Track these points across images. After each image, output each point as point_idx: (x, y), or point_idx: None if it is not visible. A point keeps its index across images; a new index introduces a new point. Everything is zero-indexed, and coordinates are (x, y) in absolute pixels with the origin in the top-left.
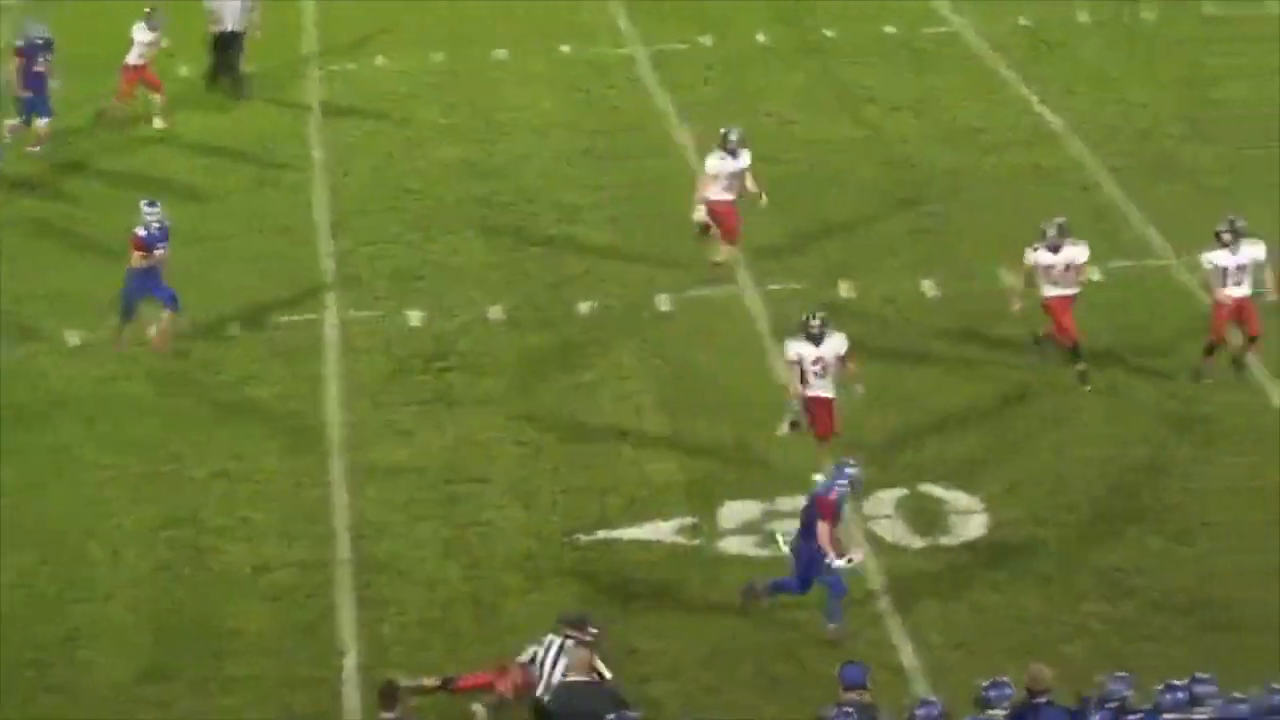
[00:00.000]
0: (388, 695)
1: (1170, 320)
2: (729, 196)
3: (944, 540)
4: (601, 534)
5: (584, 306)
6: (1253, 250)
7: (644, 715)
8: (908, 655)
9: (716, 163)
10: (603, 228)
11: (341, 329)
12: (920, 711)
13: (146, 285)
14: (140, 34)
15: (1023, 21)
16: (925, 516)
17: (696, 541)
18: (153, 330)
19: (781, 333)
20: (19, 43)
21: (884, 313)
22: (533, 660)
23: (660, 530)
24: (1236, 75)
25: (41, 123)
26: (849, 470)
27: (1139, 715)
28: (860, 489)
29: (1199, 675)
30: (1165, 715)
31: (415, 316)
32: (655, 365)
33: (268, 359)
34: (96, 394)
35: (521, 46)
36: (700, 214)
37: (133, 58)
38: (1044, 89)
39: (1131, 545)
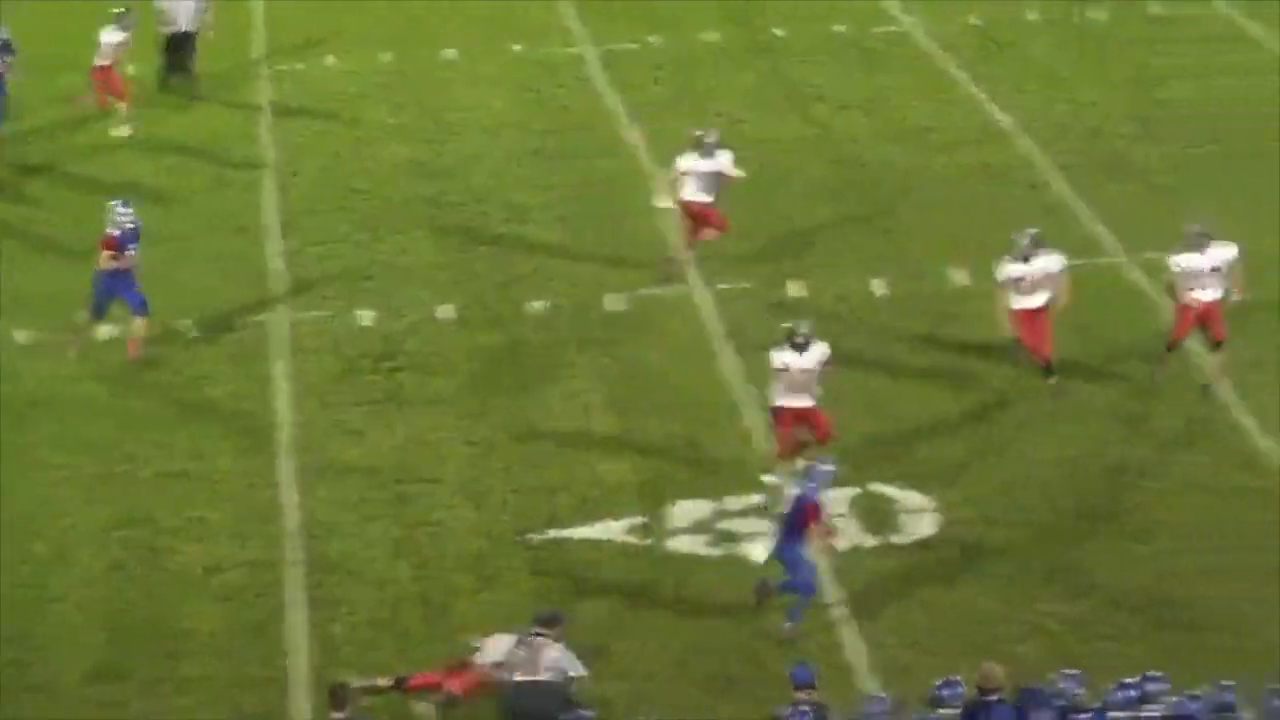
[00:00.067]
0: (338, 696)
1: (1121, 318)
2: (706, 198)
3: (895, 539)
4: (552, 533)
5: (534, 306)
6: (1223, 252)
7: (598, 714)
8: (861, 654)
9: (686, 162)
10: (552, 227)
11: (291, 329)
12: (869, 709)
13: (117, 288)
14: (109, 36)
15: (973, 21)
16: (877, 516)
17: (647, 541)
18: (90, 333)
19: (733, 332)
20: None
21: (836, 311)
22: (497, 660)
23: (611, 529)
24: (1182, 75)
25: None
26: (826, 469)
27: (1087, 715)
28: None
29: (1151, 674)
30: (1113, 713)
31: (365, 316)
32: (605, 364)
33: (220, 359)
34: (50, 394)
35: (471, 46)
36: (664, 201)
37: (100, 59)
38: (994, 88)
39: (1087, 544)
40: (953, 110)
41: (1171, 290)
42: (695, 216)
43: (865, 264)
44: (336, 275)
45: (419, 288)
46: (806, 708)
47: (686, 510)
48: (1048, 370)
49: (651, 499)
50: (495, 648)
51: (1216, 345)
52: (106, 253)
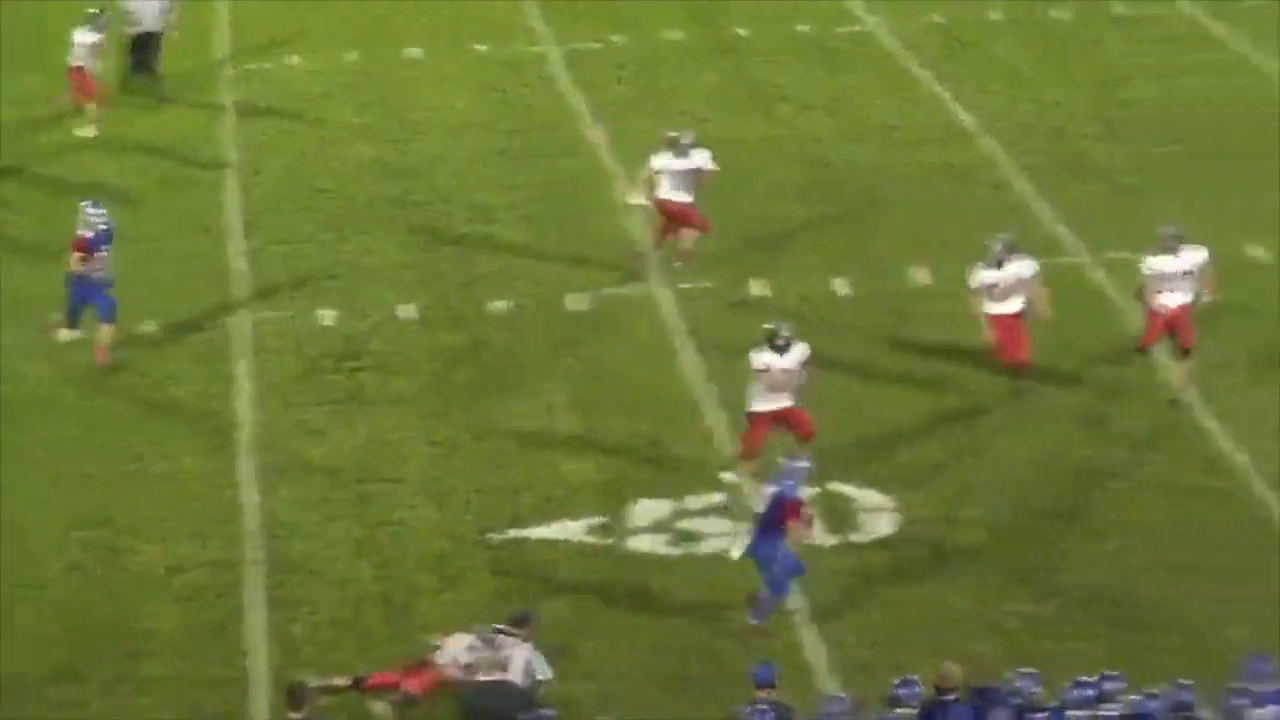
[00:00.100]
0: (295, 696)
1: (1083, 319)
2: (685, 197)
3: (854, 538)
4: (514, 533)
5: (497, 306)
6: (1194, 256)
7: (558, 714)
8: (821, 654)
9: (661, 160)
10: (516, 227)
11: (254, 329)
12: (828, 709)
13: (88, 292)
14: (82, 36)
15: (936, 20)
16: (836, 515)
17: (609, 540)
18: (64, 334)
19: (695, 331)
20: None
21: (799, 310)
22: (462, 661)
23: (571, 529)
24: (1146, 75)
25: None
26: (802, 465)
27: (1044, 714)
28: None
29: (1108, 673)
30: (1071, 712)
31: (327, 316)
32: (568, 364)
33: (185, 359)
34: (13, 394)
35: (436, 46)
36: (636, 198)
37: (74, 59)
38: (957, 87)
39: (1047, 543)
40: (916, 110)
41: (1141, 293)
42: (673, 216)
43: (828, 263)
44: (301, 275)
45: (383, 287)
46: (766, 707)
47: (648, 509)
48: (1020, 374)
49: (614, 498)
50: (455, 647)
51: (1184, 353)
52: (76, 254)
